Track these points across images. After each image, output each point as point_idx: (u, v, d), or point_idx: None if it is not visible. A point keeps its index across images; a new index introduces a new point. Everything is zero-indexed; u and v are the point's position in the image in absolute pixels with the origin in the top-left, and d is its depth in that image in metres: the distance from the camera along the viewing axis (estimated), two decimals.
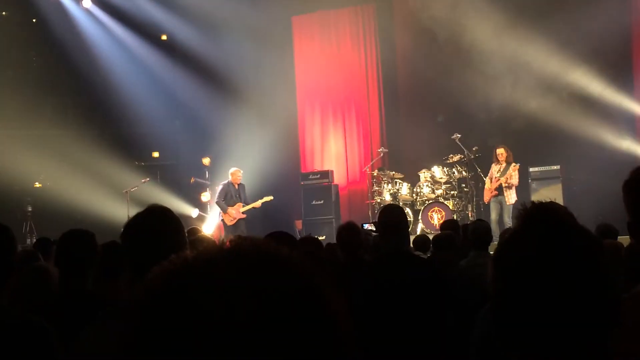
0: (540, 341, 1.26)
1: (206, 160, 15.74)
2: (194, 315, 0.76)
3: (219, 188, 13.47)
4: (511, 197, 12.40)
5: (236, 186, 13.43)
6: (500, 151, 12.66)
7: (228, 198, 13.29)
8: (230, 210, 13.21)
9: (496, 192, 12.54)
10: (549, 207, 1.35)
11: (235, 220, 13.17)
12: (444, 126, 14.17)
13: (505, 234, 1.41)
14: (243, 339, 0.75)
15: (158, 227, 2.40)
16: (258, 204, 13.45)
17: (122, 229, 2.46)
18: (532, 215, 1.34)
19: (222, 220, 13.36)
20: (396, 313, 3.95)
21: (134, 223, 2.44)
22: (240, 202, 13.34)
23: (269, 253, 0.83)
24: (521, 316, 1.27)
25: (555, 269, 1.27)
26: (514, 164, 12.51)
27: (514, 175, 12.45)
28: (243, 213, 13.28)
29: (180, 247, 2.39)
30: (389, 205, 4.94)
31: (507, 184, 12.40)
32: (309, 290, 0.81)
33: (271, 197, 13.69)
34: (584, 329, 1.25)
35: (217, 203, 13.37)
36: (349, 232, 5.32)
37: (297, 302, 0.79)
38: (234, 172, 13.49)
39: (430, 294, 4.02)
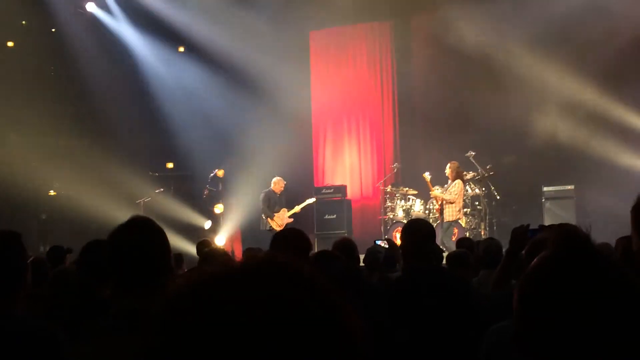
0: None
1: (220, 172, 15.78)
2: (213, 333, 0.77)
3: (261, 197, 13.73)
4: (447, 213, 12.27)
5: (278, 193, 13.76)
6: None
7: (272, 205, 13.64)
8: (277, 216, 13.52)
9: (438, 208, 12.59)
10: (578, 235, 1.32)
11: (283, 226, 13.21)
12: (459, 144, 14.11)
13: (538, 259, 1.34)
14: (261, 356, 0.76)
15: (141, 238, 2.38)
16: (303, 206, 14.00)
17: (106, 240, 2.43)
18: (562, 243, 1.31)
19: (271, 227, 13.42)
20: (425, 329, 3.91)
21: (116, 234, 2.42)
22: (285, 208, 13.71)
23: (286, 269, 0.84)
24: (547, 345, 1.24)
25: (584, 299, 1.23)
26: (458, 181, 12.37)
27: (451, 190, 12.32)
28: (289, 217, 13.68)
29: (163, 257, 2.38)
30: (417, 219, 4.94)
31: (444, 200, 12.35)
32: (326, 307, 0.82)
33: (314, 199, 14.23)
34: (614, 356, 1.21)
35: (262, 210, 13.67)
36: (345, 246, 5.36)
37: (315, 320, 0.79)
38: (278, 182, 13.85)
39: (461, 312, 3.96)
